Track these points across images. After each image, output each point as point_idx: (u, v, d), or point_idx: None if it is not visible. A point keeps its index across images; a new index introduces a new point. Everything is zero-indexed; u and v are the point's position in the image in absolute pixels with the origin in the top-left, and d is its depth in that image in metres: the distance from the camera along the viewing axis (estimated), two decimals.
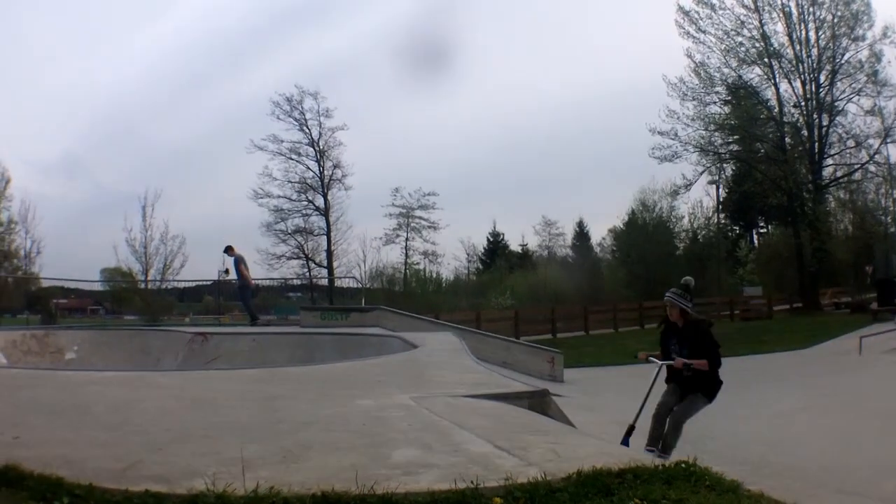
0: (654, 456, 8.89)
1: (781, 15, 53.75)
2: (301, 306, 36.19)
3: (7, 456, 4.33)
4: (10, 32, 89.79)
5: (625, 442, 9.69)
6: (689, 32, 54.40)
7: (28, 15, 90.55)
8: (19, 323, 44.28)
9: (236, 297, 30.63)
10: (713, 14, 53.87)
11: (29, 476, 4.10)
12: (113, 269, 64.59)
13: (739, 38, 54.08)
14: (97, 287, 62.49)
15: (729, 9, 53.69)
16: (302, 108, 65.98)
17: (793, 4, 53.57)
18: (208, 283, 52.45)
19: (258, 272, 60.19)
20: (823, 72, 53.57)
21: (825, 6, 53.15)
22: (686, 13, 53.98)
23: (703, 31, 54.26)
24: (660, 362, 10.76)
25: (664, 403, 10.39)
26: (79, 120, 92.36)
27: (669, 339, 10.77)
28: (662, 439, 10.21)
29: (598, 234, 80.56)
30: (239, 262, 27.97)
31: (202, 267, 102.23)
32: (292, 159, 66.34)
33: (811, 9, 53.36)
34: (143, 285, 59.82)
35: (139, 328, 25.48)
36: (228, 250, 28.80)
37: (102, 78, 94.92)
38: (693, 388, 10.50)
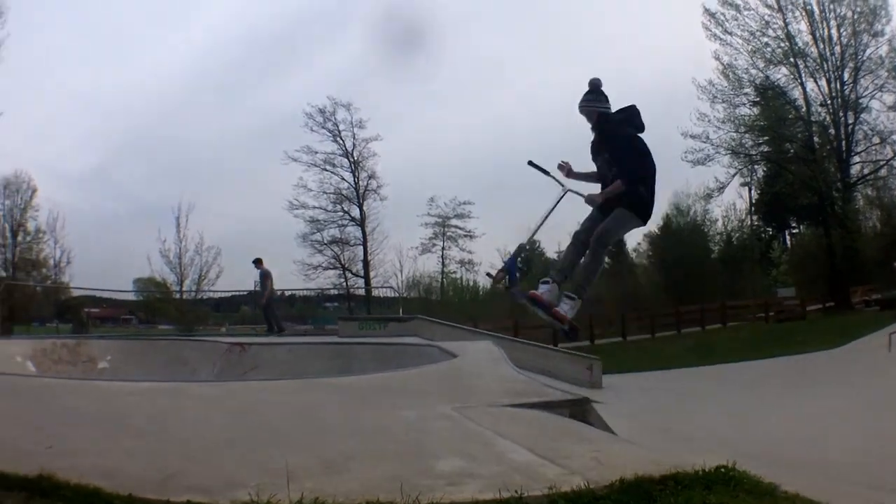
0: (550, 290, 8.55)
1: (804, 13, 53.48)
2: (339, 316, 36.21)
3: (41, 465, 4.32)
4: (40, 41, 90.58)
5: (512, 261, 9.08)
6: (715, 34, 54.13)
7: (59, 24, 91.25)
8: (49, 332, 44.51)
9: (261, 309, 30.53)
10: (738, 15, 53.60)
11: (65, 486, 4.12)
12: (146, 279, 64.88)
13: (765, 39, 53.71)
14: (130, 297, 62.70)
15: (753, 9, 53.38)
16: (335, 119, 66.11)
17: (814, 2, 53.34)
18: (244, 293, 52.60)
19: (295, 283, 60.43)
20: (847, 69, 53.25)
21: (845, 2, 52.92)
22: (712, 15, 53.78)
23: (730, 33, 54.02)
24: (564, 183, 9.22)
25: (582, 230, 9.13)
26: (110, 131, 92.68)
27: (598, 157, 9.31)
28: (573, 274, 8.85)
29: (634, 239, 80.00)
30: (265, 277, 28.31)
31: (238, 277, 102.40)
32: (327, 170, 66.45)
33: (831, 6, 53.07)
34: (177, 295, 60.15)
35: (174, 338, 25.34)
36: (257, 263, 29.18)
37: (133, 89, 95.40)
38: (615, 201, 9.01)
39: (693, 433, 10.75)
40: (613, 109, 9.14)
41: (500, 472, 4.46)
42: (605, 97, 9.11)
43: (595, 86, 9.15)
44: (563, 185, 9.23)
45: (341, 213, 67.20)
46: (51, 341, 19.86)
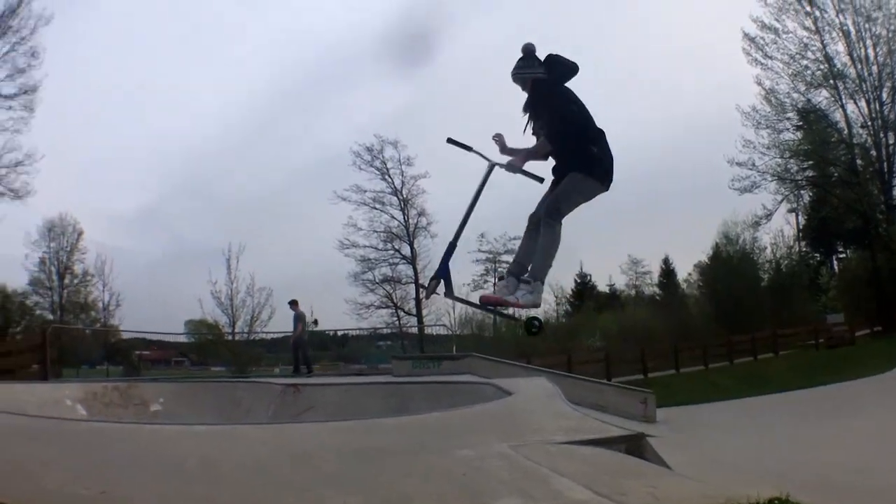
0: (506, 285, 8.26)
1: (840, 34, 53.77)
2: (392, 355, 36.27)
3: None
4: (86, 85, 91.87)
5: (444, 265, 8.56)
6: (756, 59, 54.61)
7: (104, 67, 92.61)
8: (98, 374, 44.69)
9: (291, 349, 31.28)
10: (777, 39, 54.12)
11: None
12: (198, 321, 65.29)
13: (804, 62, 54.21)
14: (182, 339, 63.02)
15: (792, 32, 53.95)
16: (383, 157, 66.70)
17: (850, 23, 53.44)
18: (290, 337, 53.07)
19: (348, 322, 60.59)
20: (885, 89, 53.14)
21: (879, 21, 52.94)
22: (752, 40, 54.32)
23: (770, 57, 54.52)
24: (489, 158, 8.67)
25: (535, 213, 8.58)
26: (158, 174, 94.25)
27: (537, 125, 8.71)
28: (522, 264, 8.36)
29: (684, 270, 79.63)
30: (299, 319, 28.65)
31: (290, 318, 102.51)
32: (376, 209, 66.90)
33: (867, 25, 53.15)
34: (229, 337, 60.39)
35: (227, 380, 25.20)
36: (293, 304, 29.51)
37: (181, 131, 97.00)
38: (563, 169, 8.53)
39: (745, 464, 10.68)
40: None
41: None
42: (539, 61, 8.62)
43: (528, 51, 8.67)
44: (488, 160, 8.73)
45: (392, 252, 67.50)
46: (101, 384, 19.63)
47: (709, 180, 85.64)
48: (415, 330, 62.02)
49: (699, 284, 73.93)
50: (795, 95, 55.40)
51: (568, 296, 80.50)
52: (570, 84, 8.53)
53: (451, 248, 8.55)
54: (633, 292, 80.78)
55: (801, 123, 55.91)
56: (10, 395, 16.63)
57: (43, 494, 5.19)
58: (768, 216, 59.49)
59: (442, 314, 68.69)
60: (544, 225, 8.32)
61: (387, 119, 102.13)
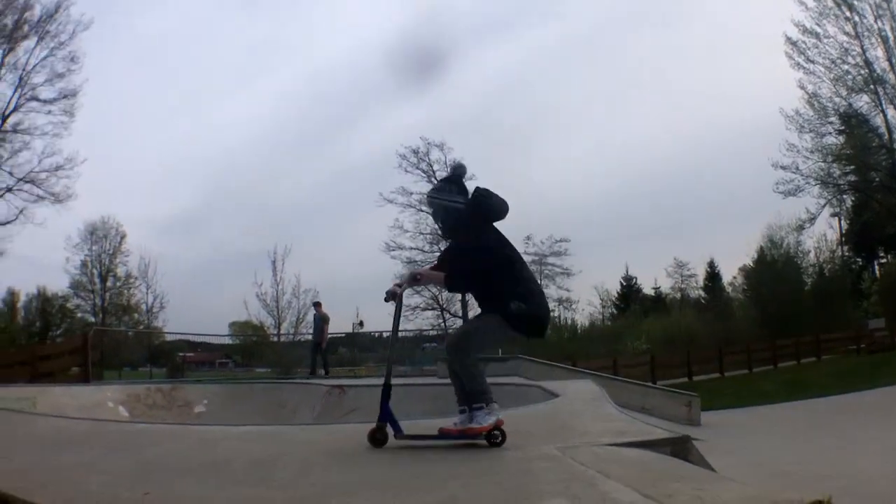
0: (466, 416, 7.88)
1: (879, 40, 53.28)
2: (439, 357, 36.22)
3: None
4: (130, 91, 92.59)
5: (385, 408, 7.99)
6: (798, 63, 54.13)
7: (147, 72, 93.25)
8: (141, 376, 44.78)
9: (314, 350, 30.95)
10: (819, 43, 53.70)
11: None
12: (243, 322, 65.62)
13: (845, 66, 53.86)
14: (226, 341, 63.16)
15: (832, 37, 53.62)
16: (429, 159, 66.49)
17: (888, 28, 52.88)
18: (342, 335, 52.78)
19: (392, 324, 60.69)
20: None
21: None
22: (794, 43, 53.86)
23: (812, 61, 54.14)
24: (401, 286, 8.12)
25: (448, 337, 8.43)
26: (204, 178, 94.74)
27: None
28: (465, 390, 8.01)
29: (729, 273, 79.10)
30: (324, 321, 28.55)
31: (336, 319, 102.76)
32: (423, 211, 66.63)
33: None
34: (275, 338, 60.53)
35: (272, 381, 25.06)
36: (317, 306, 29.50)
37: (226, 134, 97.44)
38: (484, 305, 8.06)
39: (787, 468, 10.63)
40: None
41: None
42: (462, 188, 8.05)
43: (457, 174, 8.27)
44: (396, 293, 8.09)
45: (438, 254, 67.27)
46: (145, 386, 19.99)
47: (754, 183, 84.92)
48: None
49: (744, 288, 73.51)
50: (837, 100, 55.18)
51: (613, 299, 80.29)
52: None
53: (387, 389, 8.07)
54: (678, 296, 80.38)
55: (843, 128, 55.61)
56: (50, 397, 16.94)
57: (85, 497, 5.25)
58: (812, 220, 59.20)
59: None
60: (456, 360, 8.02)
61: (432, 122, 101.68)
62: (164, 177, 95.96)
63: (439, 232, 8.16)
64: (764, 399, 29.45)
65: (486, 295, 7.95)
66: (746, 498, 4.58)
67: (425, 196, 8.56)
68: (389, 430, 7.89)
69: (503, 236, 8.08)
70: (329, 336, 31.70)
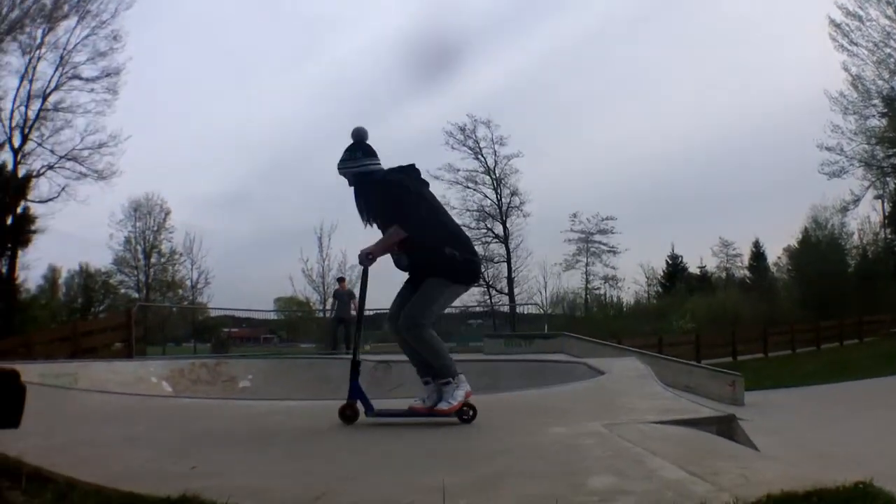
0: (431, 388, 7.82)
1: None
2: (485, 334, 36.14)
3: (185, 487, 4.30)
4: (176, 67, 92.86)
5: (354, 386, 7.88)
6: (842, 45, 53.53)
7: (193, 49, 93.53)
8: (185, 352, 44.90)
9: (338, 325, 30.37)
10: (862, 26, 53.05)
11: None
12: (288, 298, 65.91)
13: (888, 49, 53.00)
14: (271, 316, 63.38)
15: (874, 20, 52.78)
16: (476, 136, 66.53)
17: None
18: (388, 311, 52.76)
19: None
20: None
21: None
22: (837, 25, 53.22)
23: (856, 44, 53.36)
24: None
25: (392, 316, 8.05)
26: (251, 155, 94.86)
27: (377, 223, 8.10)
28: (426, 363, 7.88)
29: (774, 253, 78.52)
30: (351, 297, 28.36)
31: (381, 295, 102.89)
32: (469, 188, 66.78)
33: None
34: (320, 314, 60.63)
35: (317, 357, 25.07)
36: (340, 282, 29.38)
37: (272, 113, 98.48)
38: (421, 273, 7.93)
39: (829, 449, 10.57)
40: None
41: (652, 490, 4.44)
42: (365, 151, 8.01)
43: (357, 138, 8.11)
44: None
45: (485, 231, 67.42)
46: (189, 361, 19.97)
47: (800, 163, 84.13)
48: (506, 308, 61.78)
49: (788, 269, 73.02)
50: (880, 83, 54.44)
51: (659, 277, 79.97)
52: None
53: (355, 366, 8.01)
54: (723, 275, 79.93)
55: (885, 111, 54.88)
56: (92, 373, 17.02)
57: (130, 472, 5.21)
58: (856, 202, 58.86)
59: (534, 293, 68.73)
60: (412, 339, 7.81)
61: (479, 98, 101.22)
62: (210, 153, 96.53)
63: (359, 207, 7.98)
64: (806, 380, 29.27)
65: (418, 247, 7.79)
66: (790, 477, 4.55)
67: (337, 168, 7.98)
68: (360, 407, 7.86)
69: (430, 194, 8.12)
70: (374, 311, 31.40)
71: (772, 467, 5.41)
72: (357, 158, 7.96)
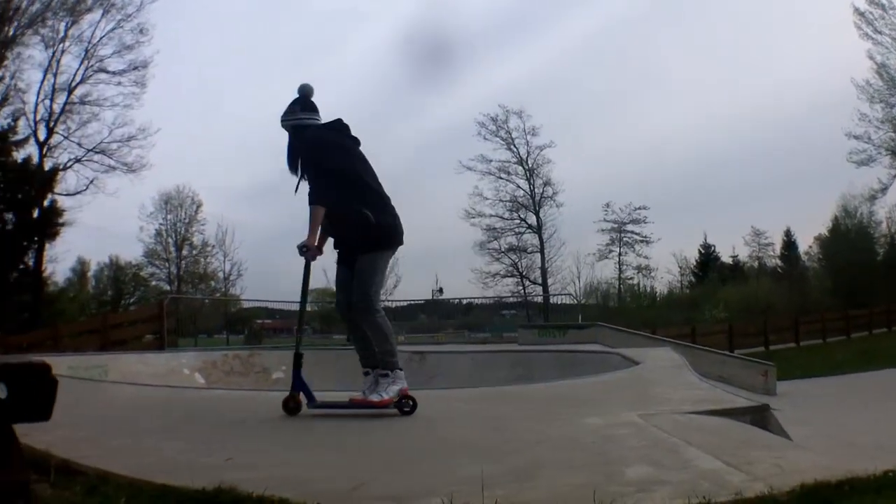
0: (371, 379, 7.87)
1: None
2: (518, 324, 36.09)
3: (220, 478, 4.26)
4: (206, 59, 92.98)
5: (297, 378, 7.86)
6: (867, 33, 53.27)
7: (223, 41, 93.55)
8: (217, 344, 44.80)
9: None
10: (885, 14, 52.87)
11: (247, 498, 4.04)
12: (321, 289, 66.08)
13: None
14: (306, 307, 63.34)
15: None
16: (508, 127, 66.32)
17: None
18: (422, 301, 52.82)
19: (473, 291, 60.58)
20: None
21: None
22: (861, 14, 52.97)
23: (880, 32, 53.16)
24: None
25: (339, 302, 8.17)
26: (281, 145, 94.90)
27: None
28: (370, 353, 7.97)
29: (806, 242, 77.95)
30: None
31: (416, 286, 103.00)
32: (502, 178, 66.64)
33: None
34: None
35: (351, 348, 25.16)
36: None
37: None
38: (348, 250, 8.00)
39: (859, 439, 10.53)
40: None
41: (688, 479, 4.47)
42: (304, 106, 8.01)
43: (303, 94, 8.08)
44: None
45: (518, 221, 67.33)
46: (221, 353, 19.81)
47: (830, 151, 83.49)
48: (540, 299, 61.67)
49: (819, 257, 72.52)
50: None
51: (692, 266, 79.58)
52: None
53: (298, 359, 8.01)
54: (755, 264, 79.47)
55: None
56: (123, 365, 17.03)
57: (162, 463, 5.20)
58: (883, 190, 58.80)
59: (567, 283, 68.50)
60: (363, 322, 7.90)
61: (511, 88, 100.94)
62: (241, 145, 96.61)
63: (289, 159, 7.96)
64: (837, 369, 29.07)
65: (338, 219, 7.85)
66: (822, 467, 4.59)
67: (280, 122, 7.96)
68: (303, 398, 7.91)
69: (357, 151, 8.14)
70: (409, 302, 31.38)
71: (804, 457, 5.46)
72: (295, 112, 8.00)
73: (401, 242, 8.16)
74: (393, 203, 8.13)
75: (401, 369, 7.90)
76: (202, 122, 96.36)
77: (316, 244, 7.85)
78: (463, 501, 3.98)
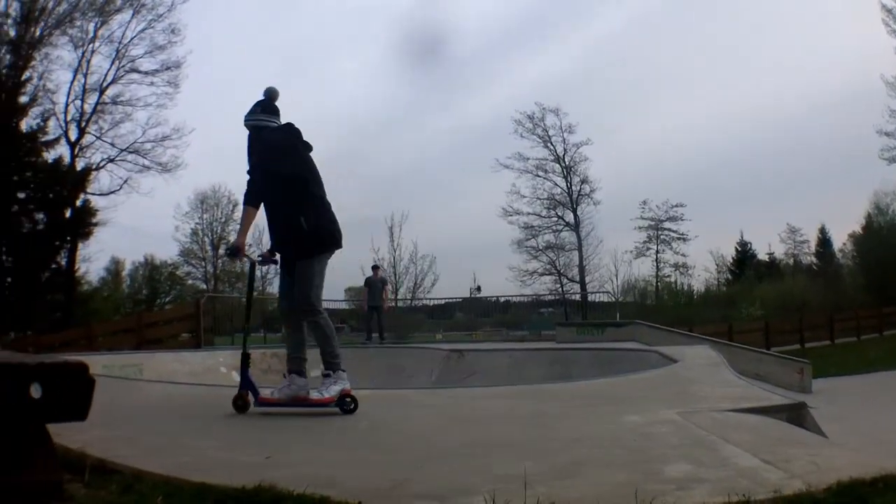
0: (289, 385, 8.02)
1: None
2: (556, 322, 35.98)
3: (259, 477, 4.23)
4: (237, 59, 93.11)
5: (244, 377, 8.09)
6: (895, 30, 52.58)
7: (251, 40, 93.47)
8: (255, 341, 44.73)
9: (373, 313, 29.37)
10: None
11: (287, 496, 4.00)
12: (358, 288, 65.90)
13: None
14: (342, 306, 63.61)
15: None
16: (544, 124, 65.99)
17: None
18: (459, 299, 52.73)
19: (511, 289, 60.42)
20: None
21: None
22: (889, 11, 52.32)
23: None
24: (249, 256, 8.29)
25: (281, 308, 8.40)
26: (317, 142, 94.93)
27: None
28: (299, 357, 8.24)
29: (840, 239, 77.26)
30: (385, 283, 28.65)
31: (453, 284, 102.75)
32: (539, 176, 66.34)
33: None
34: (391, 304, 60.54)
35: (389, 346, 24.70)
36: (375, 270, 29.06)
37: (339, 98, 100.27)
38: (286, 251, 8.18)
39: (889, 436, 10.53)
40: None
41: (727, 477, 4.49)
42: (265, 108, 8.15)
43: (265, 96, 8.23)
44: (250, 259, 8.41)
45: (555, 219, 66.94)
46: (259, 351, 19.38)
47: (864, 148, 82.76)
48: (578, 297, 61.48)
49: (853, 255, 71.90)
50: None
51: (728, 264, 79.17)
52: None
53: (245, 358, 8.19)
54: (791, 261, 78.91)
55: None
56: (159, 364, 17.10)
57: (201, 462, 5.16)
58: None
59: (605, 281, 68.20)
60: (308, 325, 8.11)
61: (546, 85, 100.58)
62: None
63: (248, 157, 8.11)
64: (870, 367, 28.90)
65: (273, 219, 8.03)
66: (858, 464, 4.61)
67: (244, 121, 8.10)
68: (251, 397, 8.08)
69: (305, 156, 8.20)
70: (445, 300, 31.12)
71: (840, 454, 5.49)
72: (255, 112, 8.11)
73: (338, 246, 8.27)
74: (328, 208, 8.26)
75: (343, 370, 8.07)
76: (237, 121, 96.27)
77: (244, 245, 7.98)
78: (505, 499, 3.97)
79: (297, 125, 8.23)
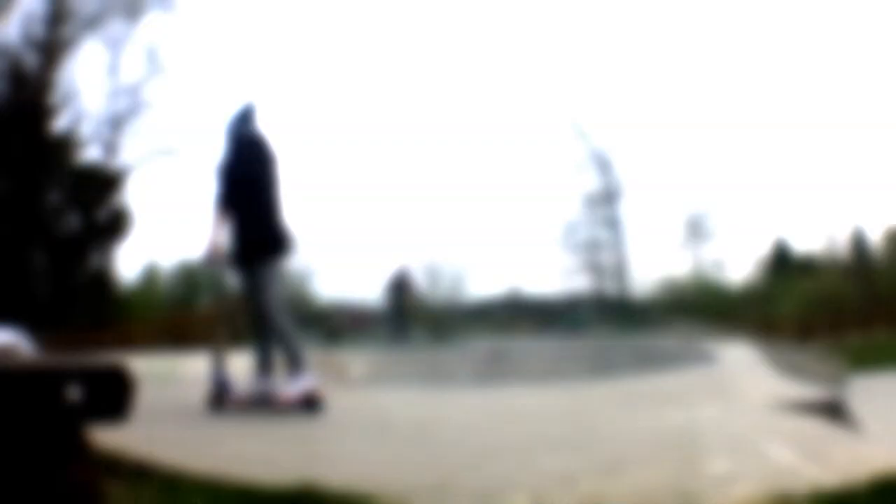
0: (252, 386, 8.08)
1: None
2: (596, 319, 35.81)
3: (301, 475, 4.15)
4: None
5: (218, 376, 8.18)
6: None
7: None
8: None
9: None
10: None
11: (331, 495, 3.92)
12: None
13: None
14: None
15: None
16: None
17: None
18: (497, 297, 52.64)
19: (549, 286, 60.16)
20: None
21: None
22: None
23: None
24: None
25: (245, 307, 8.50)
26: None
27: None
28: (267, 358, 8.20)
29: (877, 235, 76.55)
30: (410, 284, 28.30)
31: (491, 282, 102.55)
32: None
33: None
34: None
35: (429, 345, 24.97)
36: (401, 269, 28.67)
37: None
38: (243, 254, 8.14)
39: None
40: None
41: (767, 473, 4.45)
42: (244, 120, 8.23)
43: (246, 112, 8.28)
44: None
45: (595, 215, 66.72)
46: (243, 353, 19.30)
47: None
48: (617, 293, 61.10)
49: (891, 250, 71.24)
50: None
51: (767, 260, 78.62)
52: None
53: (219, 362, 8.29)
54: (828, 257, 78.28)
55: None
56: (196, 365, 16.96)
57: (242, 461, 5.17)
58: None
59: (644, 277, 67.89)
60: (269, 330, 8.09)
61: None
62: None
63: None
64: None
65: (235, 222, 8.03)
66: (893, 459, 4.63)
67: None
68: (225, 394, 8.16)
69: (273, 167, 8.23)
70: (484, 298, 30.65)
71: (878, 450, 5.46)
72: (234, 123, 8.20)
73: (285, 251, 8.27)
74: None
75: (307, 370, 8.01)
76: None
77: (215, 249, 8.05)
78: (550, 497, 3.95)
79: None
